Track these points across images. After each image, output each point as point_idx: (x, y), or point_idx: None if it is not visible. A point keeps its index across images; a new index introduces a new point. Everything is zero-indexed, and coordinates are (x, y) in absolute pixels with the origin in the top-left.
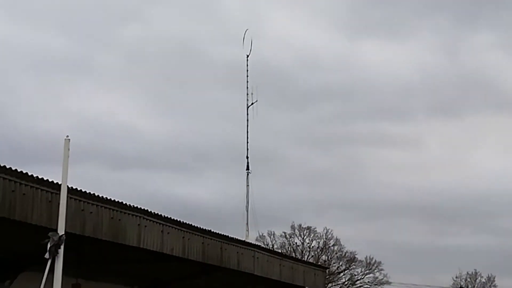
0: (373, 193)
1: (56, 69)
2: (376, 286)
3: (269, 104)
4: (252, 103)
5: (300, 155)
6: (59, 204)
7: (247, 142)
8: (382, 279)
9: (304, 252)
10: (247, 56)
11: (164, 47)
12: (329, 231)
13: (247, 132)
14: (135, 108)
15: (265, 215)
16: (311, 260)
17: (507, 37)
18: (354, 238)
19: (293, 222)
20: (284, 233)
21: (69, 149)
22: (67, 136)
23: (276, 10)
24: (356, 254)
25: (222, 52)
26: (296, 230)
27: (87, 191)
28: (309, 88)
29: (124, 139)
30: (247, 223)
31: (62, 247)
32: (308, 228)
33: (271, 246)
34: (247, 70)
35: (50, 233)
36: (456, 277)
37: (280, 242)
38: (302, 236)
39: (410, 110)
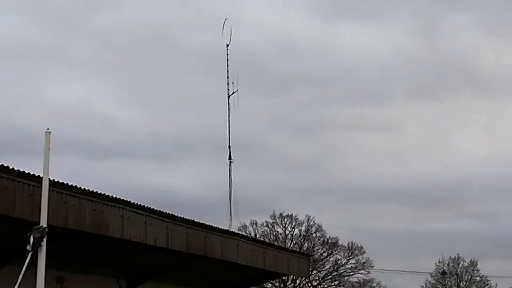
0: (353, 179)
1: (28, 57)
2: (361, 271)
3: (248, 90)
4: (233, 92)
5: (280, 142)
6: (41, 197)
7: (229, 132)
8: (365, 262)
9: (286, 240)
10: (227, 45)
11: (139, 34)
12: (311, 218)
13: (229, 121)
14: (112, 97)
15: (246, 204)
16: (294, 248)
17: (485, 17)
18: (335, 224)
19: (274, 211)
20: (266, 222)
21: (49, 142)
22: (48, 129)
23: None
24: (338, 239)
25: (198, 39)
26: (277, 219)
27: (69, 184)
28: (287, 73)
29: (101, 128)
30: (230, 213)
31: (44, 240)
32: (289, 216)
33: (253, 236)
34: (227, 60)
35: (33, 227)
36: (439, 262)
37: (262, 231)
38: (284, 224)
39: (388, 94)
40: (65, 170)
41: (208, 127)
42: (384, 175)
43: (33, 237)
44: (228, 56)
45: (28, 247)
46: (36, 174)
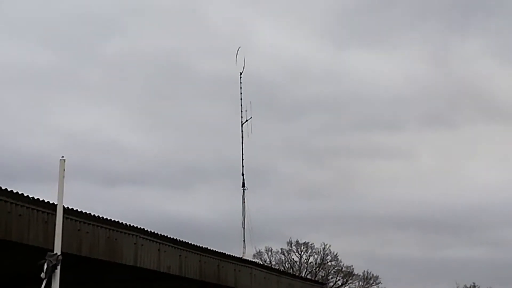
0: (366, 205)
1: (40, 84)
2: None
3: (259, 117)
4: (247, 120)
5: (293, 168)
6: (55, 224)
7: (242, 160)
8: None
9: (301, 268)
10: (240, 73)
11: (150, 61)
12: (327, 246)
13: (242, 149)
14: (123, 124)
15: (260, 231)
16: (308, 276)
17: (497, 44)
18: (349, 251)
19: (290, 238)
20: (282, 249)
21: (64, 170)
22: (62, 156)
23: (261, 21)
24: (353, 269)
25: (209, 66)
26: (293, 246)
27: (83, 211)
28: (298, 100)
29: (113, 155)
30: (243, 240)
31: (58, 267)
32: (305, 243)
33: (268, 263)
34: (241, 88)
35: (48, 254)
36: None
37: (277, 258)
38: (300, 252)
39: (401, 120)
40: (77, 197)
41: (221, 154)
42: (397, 202)
43: (47, 265)
44: (241, 84)
45: (42, 275)
46: (50, 202)
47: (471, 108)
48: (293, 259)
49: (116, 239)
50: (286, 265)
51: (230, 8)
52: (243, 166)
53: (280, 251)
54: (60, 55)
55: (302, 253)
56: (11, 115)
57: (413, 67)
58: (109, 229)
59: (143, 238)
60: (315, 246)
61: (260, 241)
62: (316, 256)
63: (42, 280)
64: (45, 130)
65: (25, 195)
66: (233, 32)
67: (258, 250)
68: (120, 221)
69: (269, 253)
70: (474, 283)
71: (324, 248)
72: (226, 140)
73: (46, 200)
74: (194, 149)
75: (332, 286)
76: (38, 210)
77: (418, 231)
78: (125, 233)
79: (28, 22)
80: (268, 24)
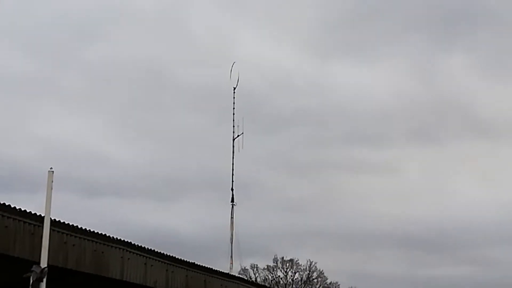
0: (351, 221)
1: (19, 91)
2: None
3: (243, 129)
4: (238, 135)
5: (276, 182)
6: (41, 236)
7: (232, 175)
8: None
9: (287, 285)
10: (234, 88)
11: (132, 69)
12: (313, 263)
13: (233, 164)
14: (105, 134)
15: (246, 246)
16: None
17: (482, 59)
18: (333, 267)
19: (276, 255)
20: (268, 266)
21: (52, 181)
22: (51, 168)
23: (245, 31)
24: (339, 285)
25: (192, 76)
26: (279, 263)
27: (70, 224)
28: (282, 112)
29: (94, 165)
30: (231, 256)
31: (44, 280)
32: (291, 260)
33: (254, 280)
34: (234, 103)
35: (33, 267)
36: None
37: (263, 275)
38: (285, 269)
39: (387, 135)
40: (57, 207)
41: (204, 166)
42: (382, 218)
43: (33, 278)
44: (234, 99)
45: None
46: (37, 214)
47: (457, 124)
48: (279, 275)
49: (102, 252)
50: (272, 282)
51: (213, 17)
52: (232, 182)
53: (266, 267)
54: (39, 61)
55: (288, 269)
56: None
57: (398, 81)
58: (96, 242)
59: (130, 251)
60: (301, 263)
61: (245, 256)
62: (301, 273)
63: None
64: (23, 138)
65: (12, 206)
66: (216, 42)
67: (243, 267)
68: (107, 234)
69: (255, 269)
70: None
71: (310, 265)
72: (209, 152)
73: (33, 212)
74: (177, 161)
75: None
76: (25, 222)
77: (403, 248)
78: (112, 246)
79: (6, 28)
80: (251, 34)
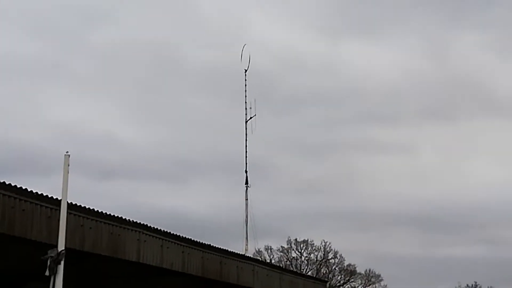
0: (366, 201)
1: (29, 75)
2: None
3: (256, 111)
4: (251, 117)
5: (290, 163)
6: (58, 220)
7: (246, 157)
8: None
9: (302, 265)
10: (245, 70)
11: (141, 51)
12: (327, 243)
13: (246, 146)
14: (116, 116)
15: (260, 227)
16: (311, 274)
17: (497, 37)
18: (348, 248)
19: (289, 236)
20: (282, 247)
21: (68, 165)
22: (67, 152)
23: (256, 12)
24: (356, 267)
25: (203, 58)
26: (293, 244)
27: (87, 207)
28: (294, 93)
29: (106, 148)
30: (246, 238)
31: (62, 263)
32: (305, 241)
33: (269, 261)
34: (246, 85)
35: (49, 250)
36: None
37: (277, 257)
38: (300, 250)
39: (400, 114)
40: (71, 190)
41: (215, 148)
42: (397, 198)
43: (50, 261)
44: (246, 81)
45: (47, 272)
46: (54, 197)
47: (470, 102)
48: (293, 256)
49: (119, 234)
50: (286, 262)
51: None
52: (246, 164)
53: (280, 249)
54: (48, 44)
55: (302, 250)
56: (0, 107)
57: (410, 59)
58: (112, 224)
59: (146, 234)
60: (315, 244)
61: (259, 238)
62: (316, 253)
63: (45, 274)
64: (34, 122)
65: (29, 190)
66: (227, 23)
67: (258, 249)
68: (124, 217)
69: (269, 251)
70: (475, 282)
71: (324, 245)
72: (221, 133)
73: (50, 196)
74: (188, 143)
75: (336, 283)
76: (41, 205)
77: (418, 229)
78: (128, 229)
79: (15, 12)
80: (263, 15)
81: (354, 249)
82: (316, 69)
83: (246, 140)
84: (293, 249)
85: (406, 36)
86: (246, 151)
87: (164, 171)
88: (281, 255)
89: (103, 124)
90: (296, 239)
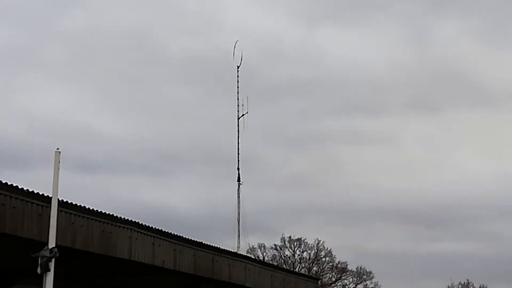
0: (352, 196)
1: None
2: None
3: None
4: (243, 115)
5: (272, 155)
6: (49, 217)
7: (238, 154)
8: (373, 287)
9: (295, 264)
10: (238, 67)
11: (114, 38)
12: (320, 242)
13: (238, 143)
14: (90, 106)
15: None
16: (303, 272)
17: (480, 25)
18: (336, 244)
19: (283, 234)
20: (275, 245)
21: (59, 162)
22: (58, 148)
23: None
24: (347, 265)
25: (178, 44)
26: (286, 242)
27: (78, 204)
28: (273, 82)
29: (83, 140)
30: (238, 235)
31: (53, 261)
32: (298, 239)
33: (262, 259)
34: (238, 81)
35: (43, 249)
36: (449, 287)
37: (270, 254)
38: (293, 248)
39: (383, 105)
40: (47, 185)
41: (197, 140)
42: (382, 192)
43: (42, 258)
44: (238, 76)
45: (39, 270)
46: (45, 194)
47: (454, 92)
48: (286, 254)
49: (110, 232)
50: (280, 260)
51: None
52: (238, 161)
53: (274, 246)
54: (16, 30)
55: (295, 248)
56: None
57: (391, 47)
58: (104, 222)
59: (138, 231)
60: (308, 242)
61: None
62: (309, 252)
63: (36, 272)
64: (6, 112)
65: (20, 187)
66: (203, 9)
67: (252, 246)
68: (115, 215)
69: (262, 249)
70: (467, 280)
71: (317, 244)
72: (202, 125)
73: (40, 193)
74: (169, 135)
75: (327, 281)
76: (32, 203)
77: (405, 224)
78: (119, 226)
79: None
80: (241, 0)
81: (342, 244)
82: (294, 57)
83: (238, 137)
84: (286, 247)
85: (390, 24)
86: (238, 148)
87: (146, 165)
88: (274, 252)
89: (78, 115)
90: (290, 237)
